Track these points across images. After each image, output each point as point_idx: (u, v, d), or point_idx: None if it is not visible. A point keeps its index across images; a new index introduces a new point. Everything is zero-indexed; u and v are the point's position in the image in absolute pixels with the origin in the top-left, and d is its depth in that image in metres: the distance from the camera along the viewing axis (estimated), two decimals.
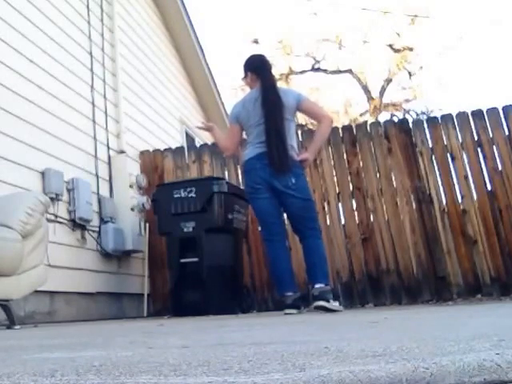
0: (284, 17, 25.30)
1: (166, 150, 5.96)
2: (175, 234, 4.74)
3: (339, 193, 5.31)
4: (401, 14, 16.43)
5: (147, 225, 5.47)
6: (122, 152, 5.69)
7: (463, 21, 23.43)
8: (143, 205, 5.41)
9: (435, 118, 5.45)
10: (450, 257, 4.99)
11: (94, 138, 5.32)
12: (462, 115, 5.24)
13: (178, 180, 5.37)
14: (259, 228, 4.43)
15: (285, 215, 3.99)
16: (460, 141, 5.19)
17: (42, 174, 4.39)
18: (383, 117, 16.41)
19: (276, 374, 0.79)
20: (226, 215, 4.66)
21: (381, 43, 16.81)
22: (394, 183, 5.24)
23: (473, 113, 5.23)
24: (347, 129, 5.53)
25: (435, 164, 5.20)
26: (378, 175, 5.29)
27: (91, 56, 5.55)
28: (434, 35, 17.54)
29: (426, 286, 4.98)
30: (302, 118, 17.44)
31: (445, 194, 5.12)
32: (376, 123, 5.58)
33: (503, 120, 5.14)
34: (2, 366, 1.02)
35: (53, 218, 4.33)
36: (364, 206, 5.25)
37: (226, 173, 5.63)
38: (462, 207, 5.07)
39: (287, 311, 3.63)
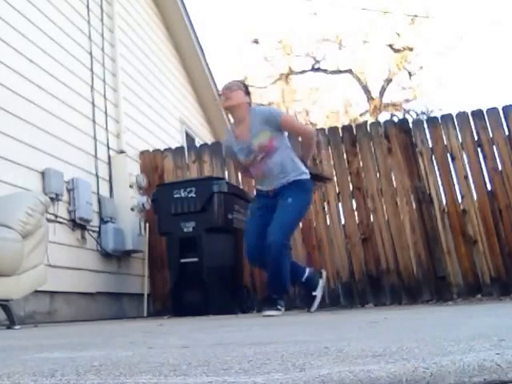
0: (284, 17, 25.31)
1: (165, 149, 5.96)
2: (175, 234, 4.73)
3: (339, 193, 5.31)
4: (401, 14, 16.44)
5: (147, 225, 5.46)
6: (122, 152, 5.69)
7: (463, 21, 23.42)
8: (143, 205, 5.41)
9: (435, 117, 5.45)
10: (449, 257, 4.99)
11: (94, 138, 5.32)
12: (462, 115, 5.24)
13: (178, 180, 5.36)
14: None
15: None
16: (460, 141, 5.19)
17: (42, 174, 4.39)
18: (383, 117, 16.42)
19: (276, 373, 0.79)
20: (225, 215, 4.66)
21: (381, 43, 16.82)
22: (394, 183, 5.24)
23: (473, 113, 5.23)
24: (347, 129, 5.53)
25: (435, 164, 5.20)
26: (378, 175, 5.29)
27: (91, 56, 5.55)
28: (434, 35, 17.51)
29: (426, 285, 4.98)
30: (302, 119, 17.45)
31: (445, 194, 5.12)
32: (376, 123, 5.58)
33: (503, 120, 5.15)
34: (2, 366, 1.02)
35: (53, 218, 4.33)
36: (364, 206, 5.25)
37: (226, 173, 5.63)
38: (462, 207, 5.07)
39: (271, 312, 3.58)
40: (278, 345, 1.25)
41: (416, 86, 17.00)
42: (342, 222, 5.27)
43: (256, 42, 17.74)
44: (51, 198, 4.15)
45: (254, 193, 4.21)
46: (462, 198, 5.08)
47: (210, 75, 8.79)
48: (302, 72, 17.76)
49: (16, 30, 4.40)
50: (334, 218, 5.28)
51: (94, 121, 5.36)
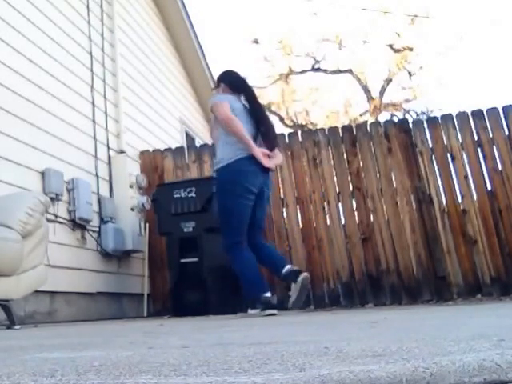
0: (284, 17, 25.28)
1: (165, 150, 5.96)
2: (175, 234, 4.74)
3: (339, 193, 5.31)
4: (401, 14, 16.44)
5: (147, 225, 5.47)
6: (122, 152, 5.69)
7: (463, 21, 23.43)
8: (143, 205, 5.41)
9: (435, 117, 5.45)
10: (450, 257, 4.99)
11: (94, 138, 5.32)
12: (462, 115, 5.25)
13: (178, 180, 5.37)
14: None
15: None
16: (460, 141, 5.19)
17: (42, 174, 4.39)
18: (383, 117, 16.43)
19: (276, 373, 0.79)
20: None
21: (381, 43, 16.82)
22: (394, 183, 5.24)
23: (473, 113, 5.24)
24: (347, 129, 5.53)
25: (435, 164, 5.20)
26: (377, 175, 5.29)
27: (91, 56, 5.55)
28: (434, 35, 17.53)
29: (426, 285, 4.98)
30: (301, 119, 17.45)
31: (445, 194, 5.12)
32: (376, 123, 5.58)
33: (503, 120, 5.15)
34: (2, 366, 1.02)
35: (53, 218, 4.33)
36: (364, 206, 5.25)
37: None
38: (462, 207, 5.07)
39: (271, 312, 3.50)
40: (278, 345, 1.25)
41: (416, 85, 17.01)
42: (342, 221, 5.28)
43: (256, 41, 17.75)
44: (51, 198, 4.15)
45: None
46: (462, 198, 5.08)
47: (210, 75, 8.79)
48: (302, 72, 17.76)
49: (16, 30, 4.40)
50: (334, 218, 5.28)
51: (93, 121, 5.36)
